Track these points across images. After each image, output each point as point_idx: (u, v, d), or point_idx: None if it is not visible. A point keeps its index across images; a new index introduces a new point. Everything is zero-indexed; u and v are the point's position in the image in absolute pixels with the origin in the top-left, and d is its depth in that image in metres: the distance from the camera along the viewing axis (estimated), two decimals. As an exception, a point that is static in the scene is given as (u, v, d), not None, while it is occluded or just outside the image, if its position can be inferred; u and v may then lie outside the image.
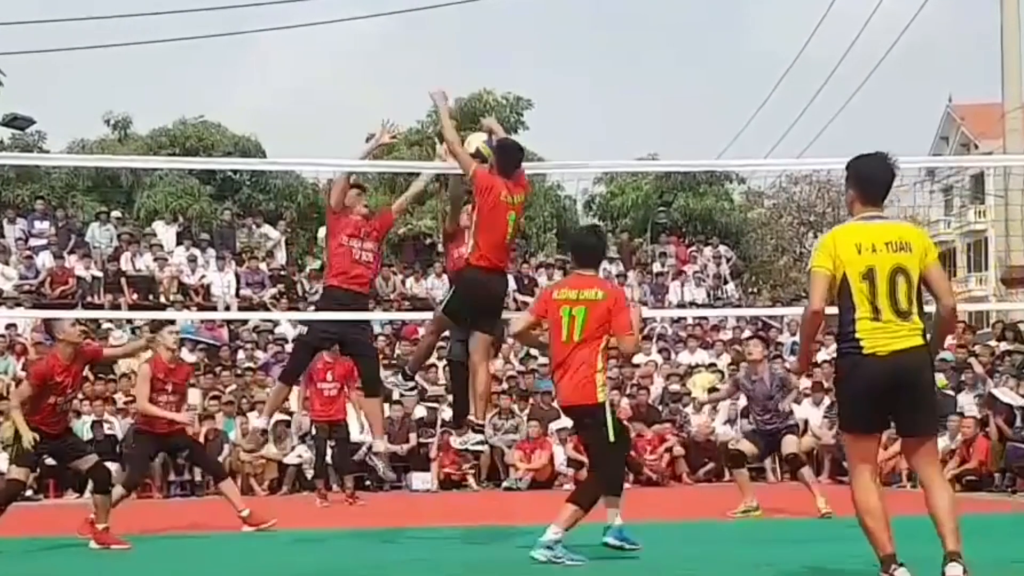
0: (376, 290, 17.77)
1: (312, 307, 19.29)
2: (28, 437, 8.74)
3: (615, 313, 7.18)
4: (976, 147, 46.44)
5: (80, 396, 14.94)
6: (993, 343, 18.62)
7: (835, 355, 5.73)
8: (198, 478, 16.02)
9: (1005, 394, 15.07)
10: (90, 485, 9.53)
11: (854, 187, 5.80)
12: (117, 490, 10.25)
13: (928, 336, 5.59)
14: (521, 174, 8.26)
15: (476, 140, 8.50)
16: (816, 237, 38.88)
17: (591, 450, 7.60)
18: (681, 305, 22.15)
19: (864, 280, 5.49)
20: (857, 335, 5.48)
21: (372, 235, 8.92)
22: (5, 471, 15.24)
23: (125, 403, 16.51)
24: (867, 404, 5.55)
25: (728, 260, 25.19)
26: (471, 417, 8.28)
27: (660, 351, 19.94)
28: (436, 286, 21.83)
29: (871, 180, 5.77)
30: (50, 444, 8.99)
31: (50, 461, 9.90)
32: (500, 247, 8.07)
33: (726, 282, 24.37)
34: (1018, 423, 14.60)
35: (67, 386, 9.05)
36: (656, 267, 23.54)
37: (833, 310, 5.70)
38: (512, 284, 21.87)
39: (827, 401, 16.66)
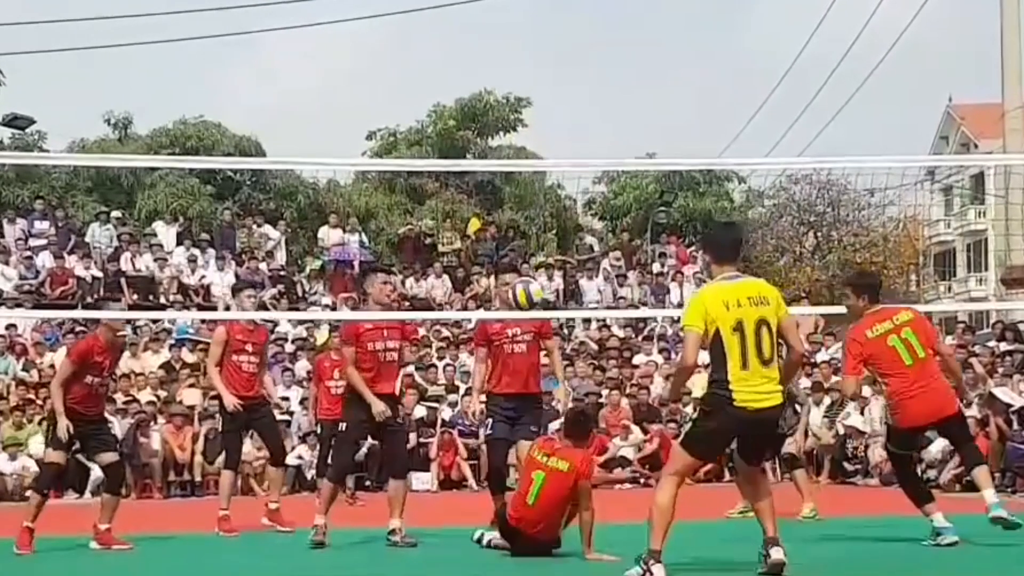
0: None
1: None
2: (63, 424, 8.71)
3: (928, 327, 8.15)
4: (976, 147, 46.44)
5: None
6: (993, 343, 18.60)
7: (706, 391, 6.42)
8: (198, 478, 16.03)
9: (1005, 394, 15.06)
10: (90, 485, 9.46)
11: (708, 253, 6.74)
12: (226, 474, 10.30)
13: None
14: (588, 452, 8.28)
15: (521, 292, 8.80)
16: (816, 237, 38.92)
17: (963, 441, 8.50)
18: (681, 306, 22.12)
19: (735, 332, 6.20)
20: (730, 385, 6.19)
21: (395, 334, 8.97)
22: (3, 470, 15.38)
23: (124, 403, 16.48)
24: (722, 442, 6.54)
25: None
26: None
27: (660, 351, 19.92)
28: (436, 286, 21.82)
29: (720, 245, 6.59)
30: (84, 428, 8.88)
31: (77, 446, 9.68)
32: (522, 504, 7.97)
33: (727, 282, 24.33)
34: (1016, 425, 14.57)
35: (104, 367, 9.00)
36: (656, 267, 23.51)
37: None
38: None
39: (827, 400, 16.65)
